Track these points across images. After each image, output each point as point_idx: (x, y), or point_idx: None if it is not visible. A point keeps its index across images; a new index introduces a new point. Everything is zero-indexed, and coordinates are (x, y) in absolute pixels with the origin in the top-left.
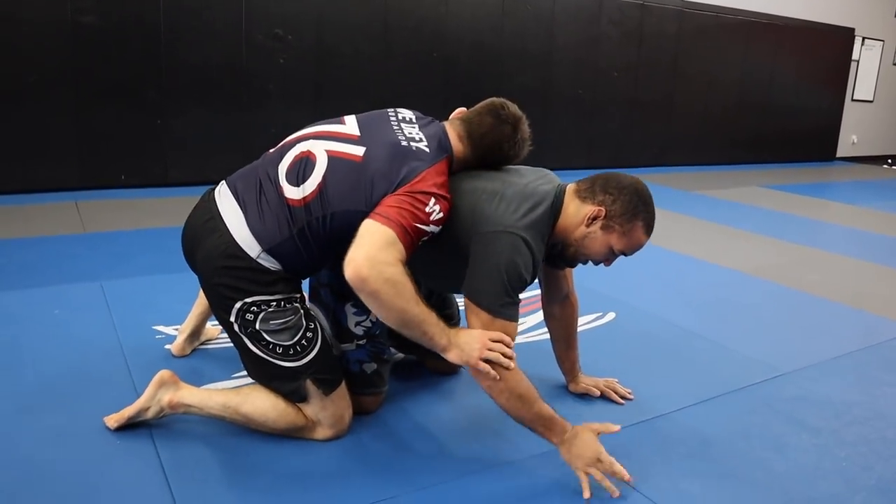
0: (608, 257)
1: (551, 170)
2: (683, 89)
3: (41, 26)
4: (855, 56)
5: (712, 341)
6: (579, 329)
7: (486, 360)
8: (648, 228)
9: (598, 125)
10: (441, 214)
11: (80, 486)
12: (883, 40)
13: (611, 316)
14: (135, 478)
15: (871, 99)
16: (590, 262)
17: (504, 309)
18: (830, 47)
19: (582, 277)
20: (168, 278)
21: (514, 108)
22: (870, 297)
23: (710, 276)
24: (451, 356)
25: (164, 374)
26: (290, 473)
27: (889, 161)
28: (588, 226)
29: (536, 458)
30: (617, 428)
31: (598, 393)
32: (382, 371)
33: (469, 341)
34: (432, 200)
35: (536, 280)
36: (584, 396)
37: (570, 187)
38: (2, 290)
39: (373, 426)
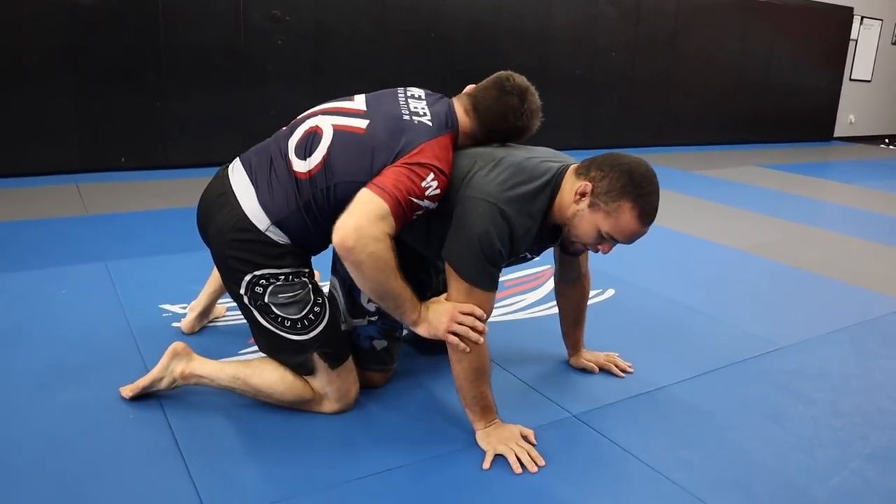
0: (598, 241)
1: None
2: (682, 68)
3: (40, 9)
4: (853, 35)
5: (711, 317)
6: None
7: (455, 334)
8: (641, 213)
9: (597, 104)
10: (438, 191)
11: (96, 457)
12: (882, 19)
13: (610, 292)
14: (148, 448)
15: (868, 79)
16: (606, 250)
17: (480, 278)
18: (829, 26)
19: None
20: (171, 258)
21: (520, 79)
22: (866, 274)
23: (709, 254)
24: (421, 330)
25: (177, 346)
26: (299, 443)
27: (886, 141)
28: (577, 203)
29: (542, 427)
30: (530, 432)
31: (598, 370)
32: (392, 348)
33: (438, 315)
34: (430, 175)
35: (540, 256)
36: (585, 370)
37: (573, 166)
38: (8, 272)
39: (381, 399)
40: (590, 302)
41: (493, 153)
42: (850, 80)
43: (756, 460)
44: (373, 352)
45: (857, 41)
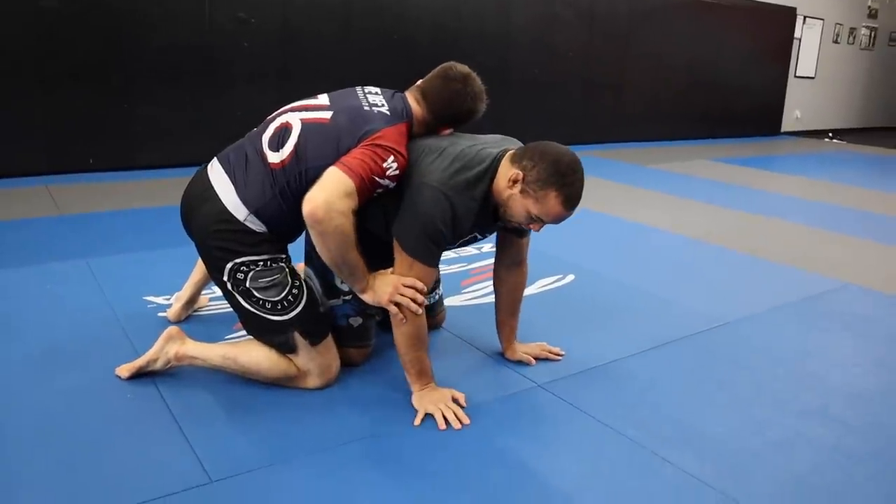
0: (530, 221)
1: None
2: (635, 67)
3: (2, 12)
4: (797, 34)
5: (663, 298)
6: (540, 290)
7: (397, 304)
8: (566, 200)
9: (555, 103)
10: (397, 171)
11: (99, 432)
12: (823, 19)
13: (570, 278)
14: (147, 422)
15: (812, 76)
16: (537, 228)
17: (421, 254)
18: (774, 26)
19: (543, 243)
20: (151, 254)
21: (462, 67)
22: (807, 257)
23: (662, 242)
24: (366, 297)
25: (171, 329)
26: (287, 414)
27: (830, 134)
28: (510, 188)
29: (511, 395)
30: (461, 395)
31: (534, 361)
32: (368, 325)
33: (383, 285)
34: (391, 157)
35: (489, 236)
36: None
37: (509, 152)
38: None
39: (360, 374)
40: (551, 287)
41: (439, 143)
42: (795, 77)
43: (702, 418)
44: (350, 329)
45: (800, 40)
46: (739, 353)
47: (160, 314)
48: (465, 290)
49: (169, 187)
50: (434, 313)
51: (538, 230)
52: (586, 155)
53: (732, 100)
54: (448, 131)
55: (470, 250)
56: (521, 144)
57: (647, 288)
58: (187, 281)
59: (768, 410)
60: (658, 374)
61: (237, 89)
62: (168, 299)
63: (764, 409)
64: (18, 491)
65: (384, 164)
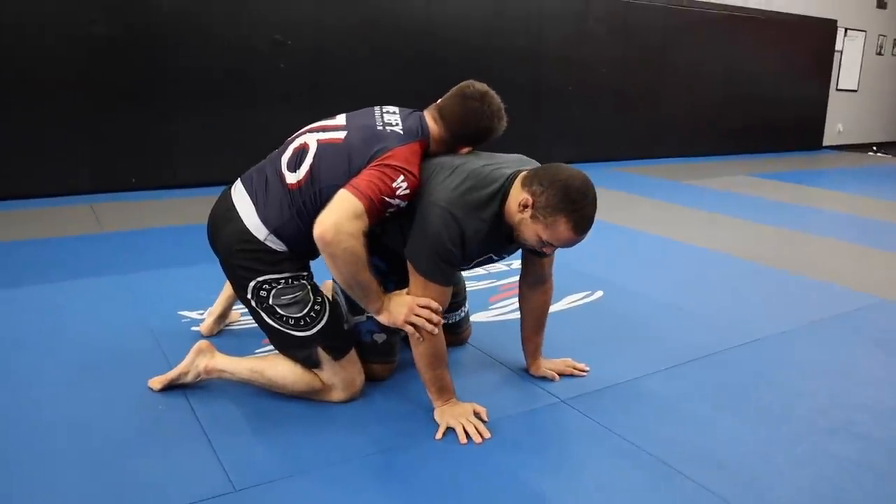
0: (541, 245)
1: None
2: (670, 83)
3: (52, 36)
4: (838, 47)
5: (694, 314)
6: (568, 306)
7: (412, 324)
8: (576, 226)
9: (588, 120)
10: (407, 190)
11: (130, 440)
12: (865, 31)
13: (599, 294)
14: (176, 431)
15: (855, 88)
16: (549, 252)
17: (433, 275)
18: (814, 38)
19: (573, 259)
20: (187, 270)
21: (480, 85)
22: (844, 273)
23: (696, 258)
24: (382, 318)
25: (201, 343)
26: (310, 427)
27: (875, 148)
28: (521, 212)
29: (535, 410)
30: (483, 410)
31: (558, 377)
32: (393, 342)
33: (398, 306)
34: (400, 177)
35: (507, 257)
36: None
37: (521, 174)
38: (31, 285)
39: (384, 388)
40: (579, 303)
41: (452, 161)
42: (837, 90)
43: (727, 435)
44: (374, 345)
45: (842, 52)
46: (770, 369)
47: (193, 328)
48: (493, 307)
49: (206, 205)
50: (459, 330)
51: (550, 253)
52: (621, 171)
53: (772, 114)
54: (466, 150)
55: (500, 266)
56: (539, 165)
57: (678, 304)
58: (218, 296)
59: (794, 427)
60: (685, 390)
61: (273, 109)
62: (201, 314)
63: (790, 426)
64: (51, 497)
65: (393, 185)
